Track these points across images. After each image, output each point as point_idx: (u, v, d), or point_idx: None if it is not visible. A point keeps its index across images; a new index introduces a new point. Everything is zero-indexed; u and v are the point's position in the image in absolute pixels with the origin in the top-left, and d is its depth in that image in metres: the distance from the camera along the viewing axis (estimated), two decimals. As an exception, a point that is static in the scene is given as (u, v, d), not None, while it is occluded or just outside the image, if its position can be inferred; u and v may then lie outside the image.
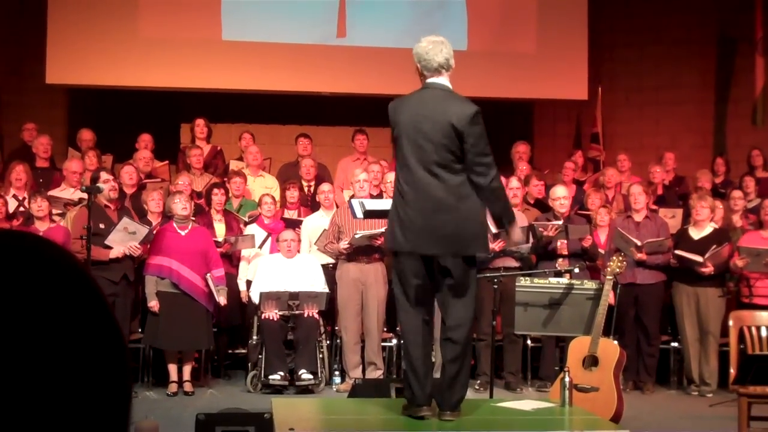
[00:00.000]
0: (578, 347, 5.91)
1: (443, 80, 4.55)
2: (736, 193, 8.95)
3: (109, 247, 7.29)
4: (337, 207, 8.29)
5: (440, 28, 10.71)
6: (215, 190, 8.39)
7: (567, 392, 4.95)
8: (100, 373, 0.81)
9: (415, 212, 4.43)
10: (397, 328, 7.19)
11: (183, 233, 7.60)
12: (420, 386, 4.47)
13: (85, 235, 6.60)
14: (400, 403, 4.73)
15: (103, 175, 7.38)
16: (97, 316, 0.83)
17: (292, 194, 8.80)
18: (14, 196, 8.33)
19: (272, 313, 7.63)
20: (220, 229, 8.23)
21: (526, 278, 6.30)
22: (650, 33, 11.81)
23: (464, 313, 4.53)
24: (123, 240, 7.33)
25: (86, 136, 9.85)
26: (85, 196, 7.11)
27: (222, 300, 7.60)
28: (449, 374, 4.52)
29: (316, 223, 8.26)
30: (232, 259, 8.21)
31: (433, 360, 7.70)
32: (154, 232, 7.70)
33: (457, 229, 4.43)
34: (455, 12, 11.07)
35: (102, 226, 7.19)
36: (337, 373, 8.00)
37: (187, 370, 7.59)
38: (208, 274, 7.58)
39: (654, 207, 8.98)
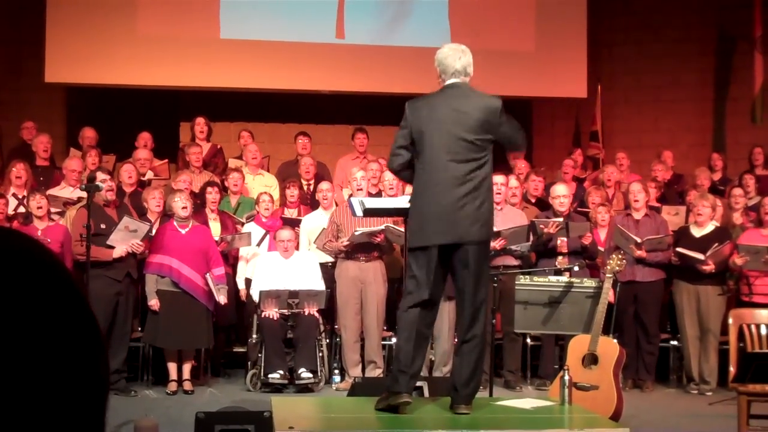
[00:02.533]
0: (578, 345, 5.92)
1: (462, 81, 4.79)
2: (737, 191, 8.95)
3: (112, 247, 7.27)
4: (337, 205, 8.28)
5: (437, 26, 10.75)
6: (209, 189, 8.37)
7: (566, 390, 4.95)
8: (75, 367, 0.81)
9: (445, 204, 4.57)
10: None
11: (183, 232, 7.60)
12: (404, 378, 4.59)
13: (85, 235, 6.57)
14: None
15: (100, 175, 7.34)
16: (72, 308, 0.83)
17: (292, 193, 8.79)
18: (14, 195, 8.31)
19: (272, 312, 7.63)
20: (215, 228, 8.18)
21: (526, 276, 6.31)
22: (649, 31, 11.82)
23: (483, 307, 4.70)
24: (125, 239, 7.31)
25: (89, 134, 9.84)
26: (84, 194, 7.09)
27: (222, 299, 7.59)
28: (469, 369, 4.64)
29: (315, 222, 8.26)
30: (228, 258, 8.19)
31: (432, 358, 7.75)
32: (155, 228, 7.69)
33: (488, 216, 4.68)
34: (453, 10, 11.06)
35: (103, 226, 7.16)
36: (336, 371, 8.00)
37: (186, 368, 7.59)
38: (208, 273, 7.57)
39: (657, 205, 8.98)
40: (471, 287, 4.65)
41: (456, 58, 4.78)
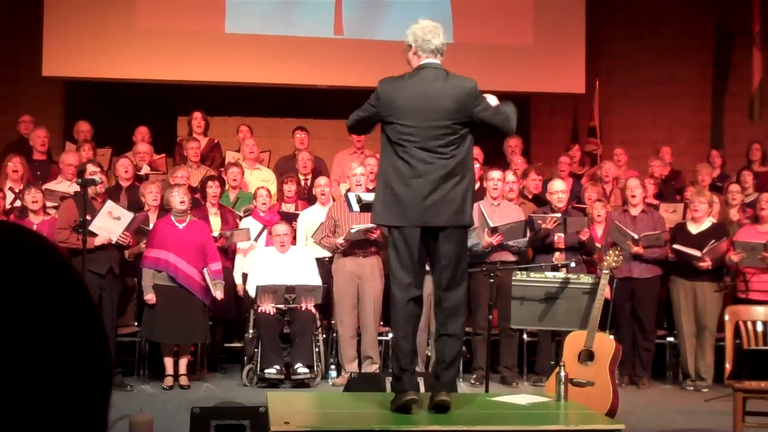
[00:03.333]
0: (574, 342, 5.91)
1: (437, 62, 4.60)
2: (734, 187, 8.95)
3: (95, 235, 7.23)
4: (334, 200, 8.27)
5: (436, 20, 10.71)
6: (210, 183, 8.35)
7: (562, 387, 4.94)
8: (80, 366, 0.80)
9: (416, 187, 4.43)
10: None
11: (181, 227, 7.59)
12: (407, 375, 4.50)
13: (76, 226, 6.54)
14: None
15: (90, 168, 7.32)
16: (78, 307, 0.83)
17: (290, 188, 8.78)
18: (10, 189, 8.31)
19: (269, 307, 7.62)
20: (215, 222, 8.19)
21: (523, 272, 6.30)
22: (648, 26, 11.81)
23: (462, 297, 4.59)
24: (107, 225, 7.26)
25: (83, 127, 9.84)
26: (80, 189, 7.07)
27: (219, 294, 7.58)
28: (449, 357, 4.54)
29: (312, 217, 8.25)
30: (227, 253, 8.20)
31: (428, 353, 7.75)
32: (145, 223, 7.66)
33: (462, 202, 4.48)
34: (453, 4, 11.04)
35: (88, 217, 7.13)
36: (333, 367, 7.99)
37: (183, 363, 7.59)
38: (205, 268, 7.56)
39: (655, 202, 8.97)
40: (447, 278, 4.49)
41: (436, 34, 4.56)
